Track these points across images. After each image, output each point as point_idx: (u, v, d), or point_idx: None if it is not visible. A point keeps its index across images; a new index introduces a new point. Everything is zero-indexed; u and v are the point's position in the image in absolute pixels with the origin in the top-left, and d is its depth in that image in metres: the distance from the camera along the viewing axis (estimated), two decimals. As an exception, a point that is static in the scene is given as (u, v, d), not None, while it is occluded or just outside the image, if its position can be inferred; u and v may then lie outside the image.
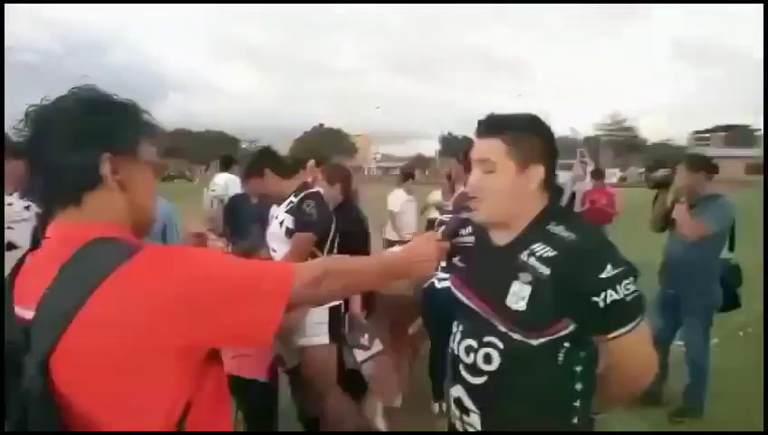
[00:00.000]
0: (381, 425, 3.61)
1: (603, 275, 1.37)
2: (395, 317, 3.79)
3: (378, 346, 3.48)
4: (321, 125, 79.44)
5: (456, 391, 1.59)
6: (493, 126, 1.52)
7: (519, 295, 1.44)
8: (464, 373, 1.56)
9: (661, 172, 4.11)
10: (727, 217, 3.74)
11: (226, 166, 6.36)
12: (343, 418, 3.08)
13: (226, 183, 6.02)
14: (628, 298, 1.39)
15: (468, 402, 1.56)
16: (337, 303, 2.99)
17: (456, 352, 1.60)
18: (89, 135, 1.05)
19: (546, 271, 1.42)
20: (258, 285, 1.07)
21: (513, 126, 1.50)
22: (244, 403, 2.86)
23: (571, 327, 1.43)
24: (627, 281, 1.40)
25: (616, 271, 1.38)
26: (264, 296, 1.07)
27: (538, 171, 1.50)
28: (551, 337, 1.43)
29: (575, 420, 1.49)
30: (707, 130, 76.68)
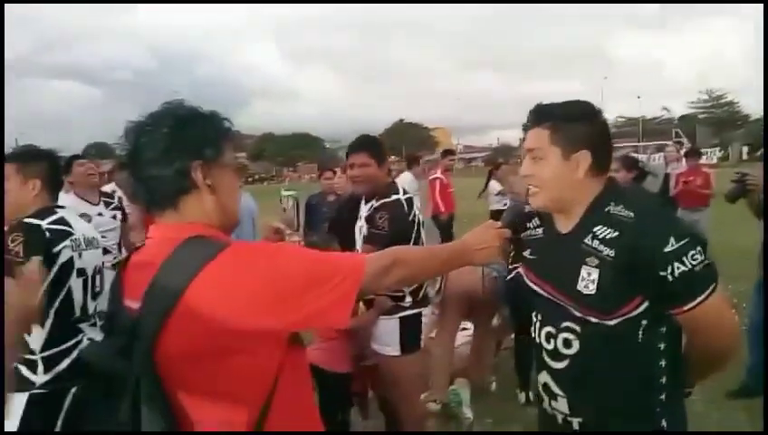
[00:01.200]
0: (468, 413, 3.66)
1: (667, 249, 1.38)
2: (470, 311, 3.80)
3: None
4: (402, 120, 79.77)
5: (543, 377, 1.64)
6: (538, 116, 1.58)
7: (588, 280, 1.47)
8: (547, 360, 1.61)
9: (733, 186, 3.84)
10: None
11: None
12: (419, 423, 3.14)
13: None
14: (697, 268, 1.39)
15: (555, 387, 1.60)
16: (413, 311, 2.91)
17: (538, 340, 1.65)
18: (181, 146, 1.18)
19: (611, 252, 1.45)
20: (335, 274, 1.17)
21: (557, 114, 1.55)
22: (323, 392, 2.94)
23: (646, 304, 1.44)
24: (693, 252, 1.39)
25: (680, 243, 1.39)
26: (340, 284, 1.16)
27: (585, 156, 1.52)
28: (625, 317, 1.45)
29: (662, 397, 1.51)
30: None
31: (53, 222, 2.23)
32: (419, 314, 2.95)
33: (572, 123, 1.53)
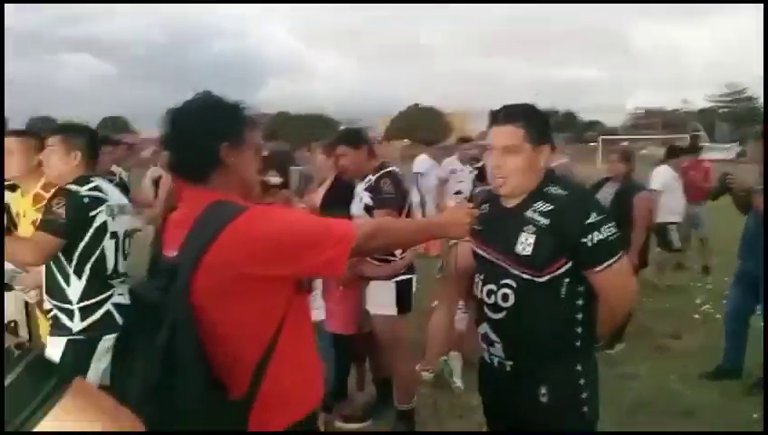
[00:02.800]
0: (459, 383, 3.96)
1: (588, 221, 1.76)
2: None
3: None
4: (417, 105, 79.39)
5: (483, 328, 1.98)
6: (512, 116, 1.89)
7: (526, 243, 1.83)
8: (487, 312, 1.95)
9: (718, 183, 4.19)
10: None
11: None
12: (411, 384, 3.49)
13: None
14: (610, 238, 1.78)
15: (492, 335, 1.95)
16: (406, 277, 3.30)
17: (480, 296, 1.98)
18: (212, 130, 1.48)
19: (546, 221, 1.80)
20: (332, 235, 1.45)
21: (529, 115, 1.88)
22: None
23: (569, 265, 1.80)
24: (608, 225, 1.78)
25: (599, 217, 1.78)
26: (337, 242, 1.44)
27: (546, 149, 1.89)
28: (552, 274, 1.81)
29: (578, 344, 1.87)
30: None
31: (91, 189, 2.52)
32: (411, 280, 3.35)
33: (538, 122, 1.88)
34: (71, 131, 2.64)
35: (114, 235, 2.57)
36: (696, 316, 5.59)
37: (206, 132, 1.47)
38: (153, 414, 1.31)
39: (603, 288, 1.83)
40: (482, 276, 1.99)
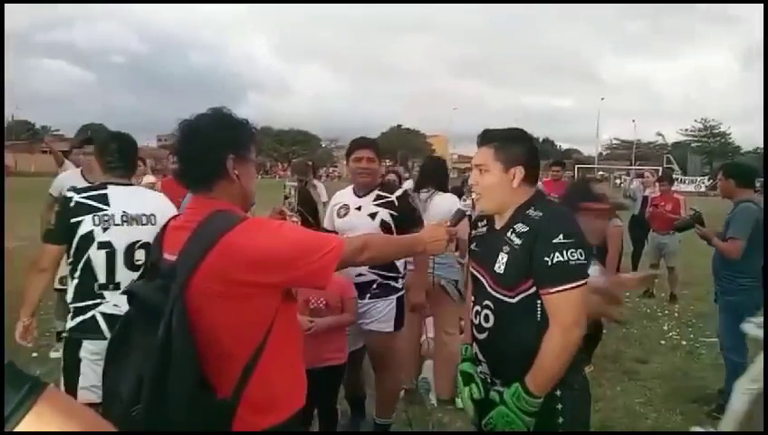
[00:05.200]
0: (433, 400, 4.07)
1: (554, 241, 1.78)
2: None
3: None
4: (399, 126, 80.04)
5: (475, 346, 2.05)
6: (485, 137, 2.00)
7: (501, 262, 1.89)
8: (475, 332, 2.02)
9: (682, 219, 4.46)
10: (749, 221, 3.91)
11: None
12: (396, 399, 3.57)
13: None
14: (572, 262, 1.77)
15: (480, 355, 2.02)
16: (402, 293, 3.35)
17: (470, 316, 2.06)
18: (221, 142, 1.59)
19: (519, 241, 1.86)
20: (322, 248, 1.55)
21: (500, 137, 1.97)
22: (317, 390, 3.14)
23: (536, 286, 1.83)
24: (573, 250, 1.77)
25: (566, 240, 1.78)
26: (326, 255, 1.54)
27: (519, 171, 1.94)
28: (523, 294, 1.85)
29: None
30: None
31: (88, 197, 2.54)
32: (404, 296, 3.40)
33: (511, 144, 1.95)
34: (95, 137, 2.74)
35: (105, 245, 2.52)
36: (663, 342, 5.77)
37: (215, 144, 1.58)
38: (143, 409, 1.39)
39: (553, 313, 1.80)
40: (473, 296, 2.06)
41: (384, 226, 3.21)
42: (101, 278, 2.53)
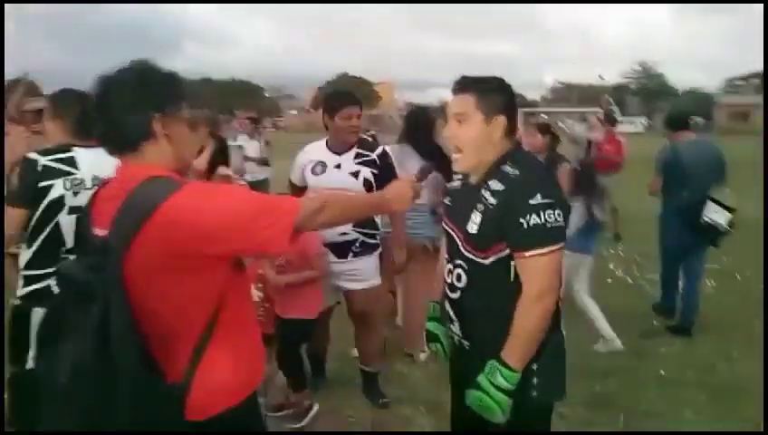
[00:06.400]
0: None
1: (532, 202, 1.67)
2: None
3: None
4: (345, 74, 78.53)
5: (446, 305, 1.96)
6: (466, 84, 1.83)
7: (473, 222, 1.78)
8: (447, 290, 1.94)
9: None
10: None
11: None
12: (380, 349, 3.62)
13: None
14: (549, 225, 1.67)
15: (451, 313, 1.93)
16: (380, 248, 3.37)
17: (444, 273, 1.97)
18: (145, 100, 1.40)
19: (494, 201, 1.74)
20: (274, 211, 1.41)
21: (482, 84, 1.82)
22: (283, 339, 3.17)
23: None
24: (551, 211, 1.67)
25: (544, 200, 1.67)
26: (280, 219, 1.40)
27: (501, 121, 1.81)
28: (496, 256, 1.77)
29: None
30: (742, 78, 74.02)
31: (55, 160, 2.36)
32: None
33: (493, 93, 1.81)
34: (58, 98, 2.49)
35: (76, 209, 2.34)
36: (609, 280, 5.96)
37: (138, 101, 1.40)
38: (85, 398, 1.27)
39: (527, 278, 1.71)
40: (446, 254, 1.97)
41: (366, 184, 3.14)
42: (70, 243, 2.39)
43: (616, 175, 7.37)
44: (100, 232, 1.39)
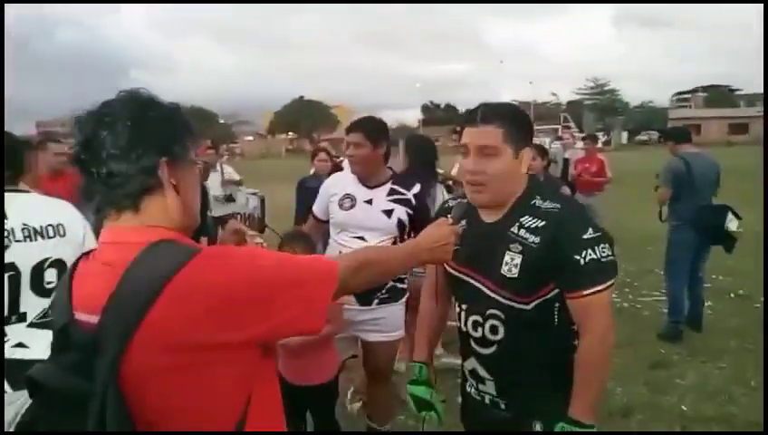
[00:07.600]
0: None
1: (585, 236, 1.56)
2: None
3: None
4: (302, 97, 78.36)
5: (470, 363, 1.77)
6: (490, 115, 1.64)
7: (512, 264, 1.60)
8: (474, 346, 1.73)
9: None
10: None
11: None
12: (393, 407, 3.24)
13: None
14: (604, 260, 1.57)
15: (483, 372, 1.73)
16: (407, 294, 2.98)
17: (464, 329, 1.75)
18: (147, 141, 1.05)
19: (536, 239, 1.58)
20: (307, 281, 1.10)
21: (509, 115, 1.65)
22: (313, 406, 2.82)
23: (557, 289, 1.59)
24: (603, 245, 1.58)
25: (596, 234, 1.58)
26: (314, 290, 1.10)
27: (528, 154, 1.67)
28: (541, 299, 1.60)
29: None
30: (688, 92, 77.15)
31: None
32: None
33: (520, 125, 1.66)
34: None
35: (8, 268, 1.97)
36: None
37: (139, 143, 1.05)
38: None
39: (586, 318, 1.58)
40: (464, 306, 1.75)
41: (400, 226, 2.80)
42: (6, 309, 1.96)
43: (598, 196, 7.28)
44: (85, 318, 1.03)
